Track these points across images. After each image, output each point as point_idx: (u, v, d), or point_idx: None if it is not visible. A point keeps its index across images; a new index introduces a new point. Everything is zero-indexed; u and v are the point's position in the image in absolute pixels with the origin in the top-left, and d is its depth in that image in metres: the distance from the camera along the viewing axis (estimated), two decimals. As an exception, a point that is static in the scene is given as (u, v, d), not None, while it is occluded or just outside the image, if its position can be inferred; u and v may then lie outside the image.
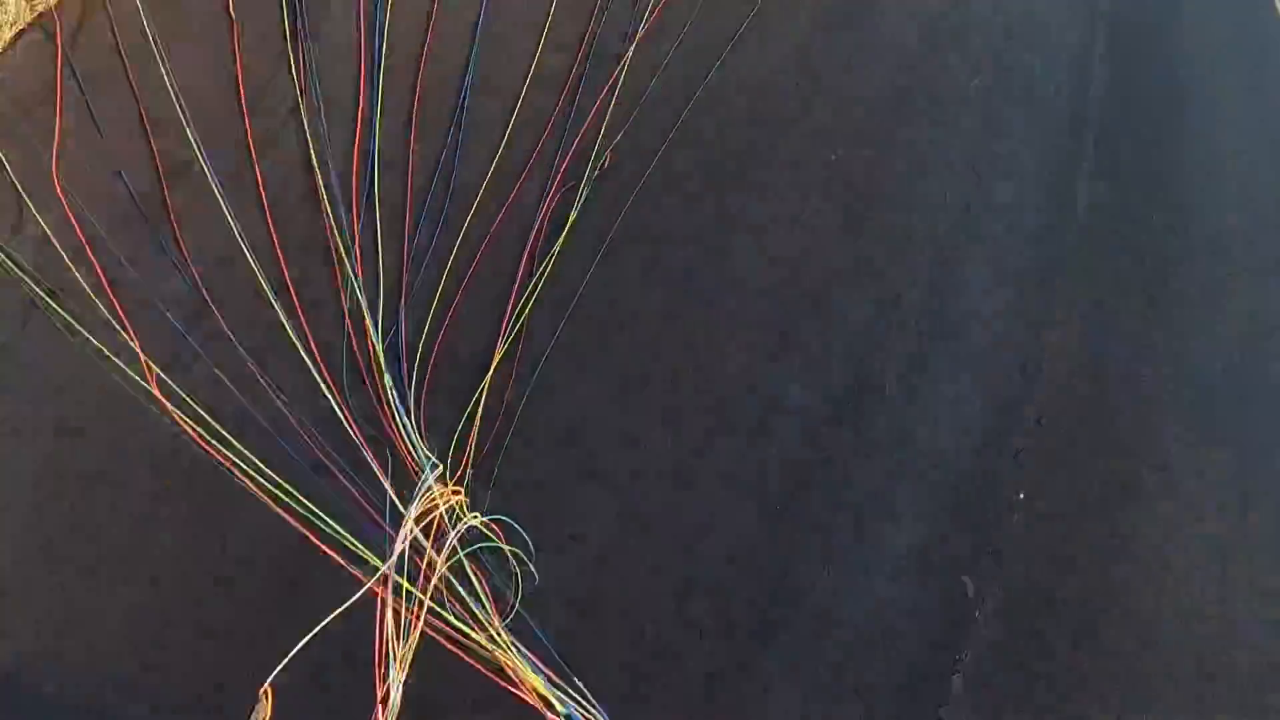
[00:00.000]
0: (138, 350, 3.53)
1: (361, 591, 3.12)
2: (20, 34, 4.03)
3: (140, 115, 4.00)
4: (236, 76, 4.10)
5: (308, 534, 3.27)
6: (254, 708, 2.77)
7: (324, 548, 3.27)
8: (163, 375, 3.58)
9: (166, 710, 3.17)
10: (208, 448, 3.39)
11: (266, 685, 2.74)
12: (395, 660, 3.07)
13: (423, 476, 3.30)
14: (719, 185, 4.53)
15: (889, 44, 5.20)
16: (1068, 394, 4.55)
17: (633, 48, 4.52)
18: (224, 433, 3.44)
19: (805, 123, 4.83)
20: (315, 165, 4.01)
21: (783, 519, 3.95)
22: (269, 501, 3.29)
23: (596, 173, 4.24)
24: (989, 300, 4.66)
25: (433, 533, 3.28)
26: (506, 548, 3.43)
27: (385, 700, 2.98)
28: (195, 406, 3.52)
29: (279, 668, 3.01)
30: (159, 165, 3.89)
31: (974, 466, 4.29)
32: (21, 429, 3.50)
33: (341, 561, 3.24)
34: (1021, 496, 4.25)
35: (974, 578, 4.06)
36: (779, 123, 4.78)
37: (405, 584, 3.15)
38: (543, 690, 2.97)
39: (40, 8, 4.05)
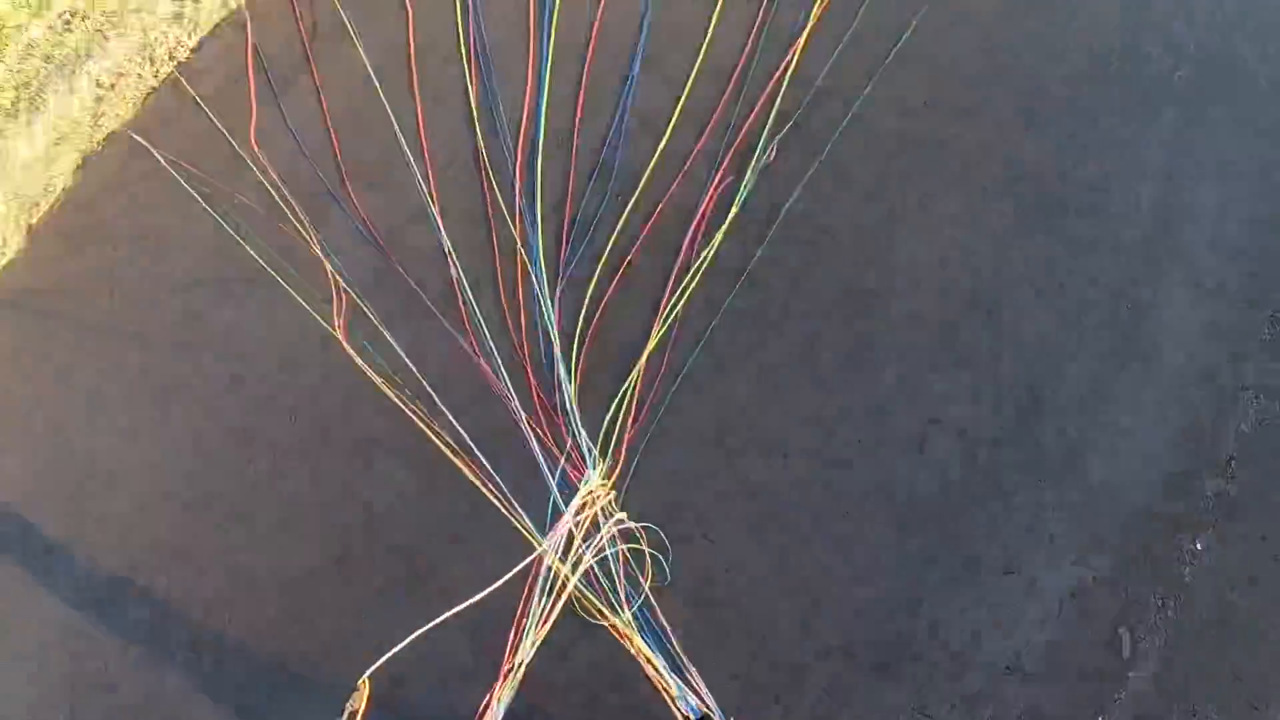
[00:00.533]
0: (337, 320, 3.69)
1: (518, 569, 3.13)
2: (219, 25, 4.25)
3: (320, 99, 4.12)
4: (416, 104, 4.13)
5: (493, 495, 3.33)
6: (350, 695, 2.82)
7: (505, 508, 3.31)
8: (348, 350, 3.70)
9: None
10: (407, 407, 3.53)
11: (365, 677, 2.79)
12: (529, 638, 3.07)
13: (586, 476, 3.28)
14: (888, 179, 4.23)
15: (1082, 29, 4.71)
16: (1267, 433, 4.05)
17: (805, 33, 4.26)
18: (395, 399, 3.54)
19: (985, 114, 4.44)
20: (485, 162, 3.99)
21: (927, 544, 3.70)
22: (465, 467, 3.38)
23: (760, 166, 4.03)
24: (1184, 320, 4.18)
25: (584, 524, 3.27)
26: (648, 550, 3.37)
27: (508, 674, 2.98)
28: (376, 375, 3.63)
29: (398, 647, 3.07)
30: (340, 164, 4.02)
31: (1148, 507, 3.86)
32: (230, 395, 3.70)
33: (522, 526, 3.29)
34: (1199, 546, 3.83)
35: (1132, 634, 3.70)
36: (956, 112, 4.42)
37: (558, 564, 3.15)
38: (665, 676, 2.97)
39: (233, 3, 4.25)
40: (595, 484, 3.30)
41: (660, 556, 3.40)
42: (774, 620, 3.51)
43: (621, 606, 3.21)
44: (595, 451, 3.41)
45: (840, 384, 3.89)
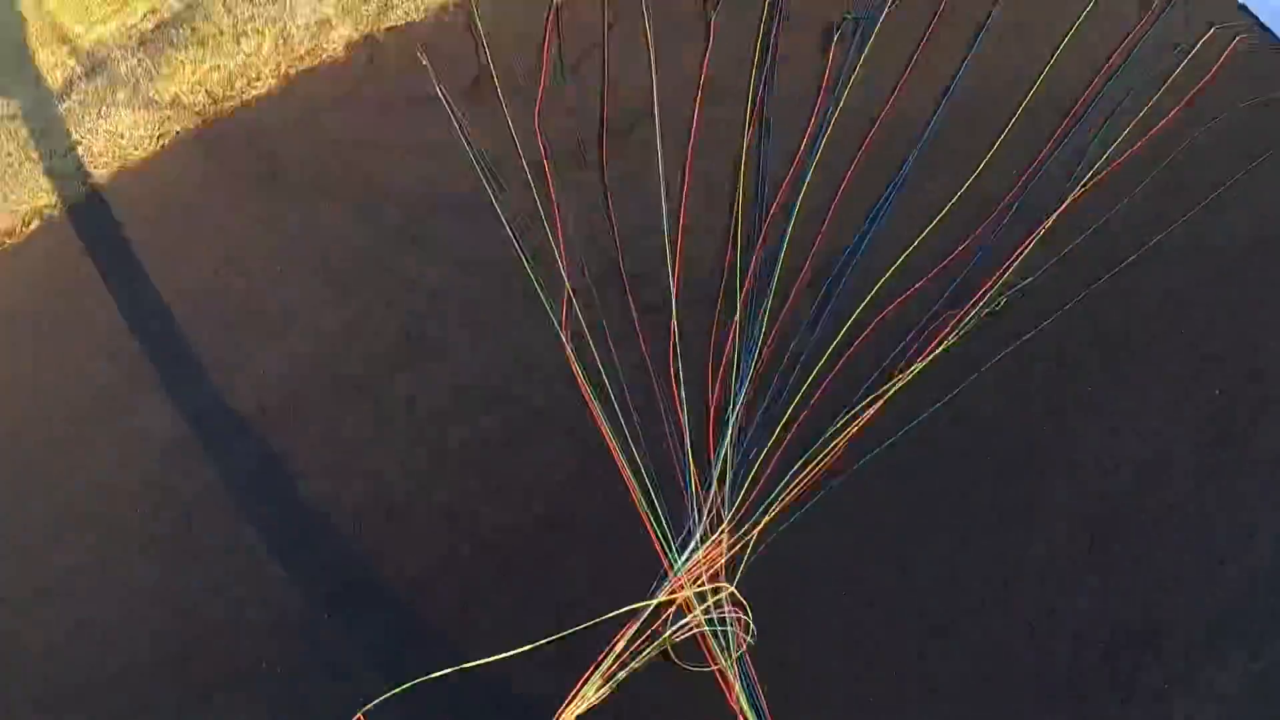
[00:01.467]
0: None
1: (656, 602, 3.05)
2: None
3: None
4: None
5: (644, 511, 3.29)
6: None
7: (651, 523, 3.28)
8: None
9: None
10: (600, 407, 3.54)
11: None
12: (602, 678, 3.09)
13: (693, 544, 3.29)
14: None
15: None
16: None
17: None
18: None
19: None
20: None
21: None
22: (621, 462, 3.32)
23: (986, 311, 3.84)
24: None
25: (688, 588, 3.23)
26: (748, 640, 3.24)
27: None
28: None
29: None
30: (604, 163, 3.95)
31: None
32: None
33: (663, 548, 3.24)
34: None
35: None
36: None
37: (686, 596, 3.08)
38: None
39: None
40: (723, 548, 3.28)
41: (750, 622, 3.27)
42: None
43: (729, 654, 3.18)
44: (728, 514, 3.35)
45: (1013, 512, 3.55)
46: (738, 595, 3.25)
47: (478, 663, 3.14)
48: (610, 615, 3.20)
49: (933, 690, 3.18)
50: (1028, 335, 3.63)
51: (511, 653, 3.07)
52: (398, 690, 3.13)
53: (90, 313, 4.41)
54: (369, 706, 2.60)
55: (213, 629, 3.62)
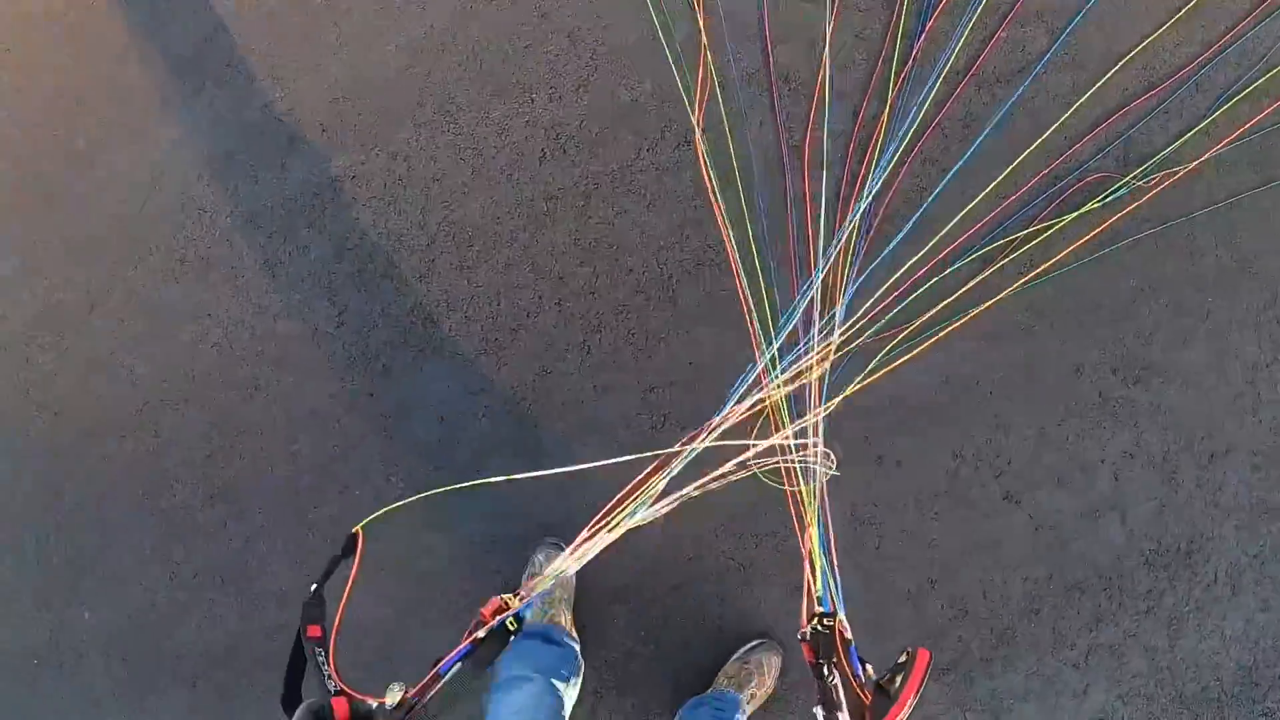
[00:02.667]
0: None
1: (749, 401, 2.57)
2: None
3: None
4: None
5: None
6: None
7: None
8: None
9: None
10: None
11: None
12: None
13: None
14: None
15: None
16: None
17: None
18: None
19: None
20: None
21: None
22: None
23: (1139, 182, 3.22)
24: None
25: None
26: (831, 470, 2.78)
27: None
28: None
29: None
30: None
31: None
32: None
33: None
34: None
35: None
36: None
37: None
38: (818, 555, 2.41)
39: None
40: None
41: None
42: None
43: (815, 475, 2.64)
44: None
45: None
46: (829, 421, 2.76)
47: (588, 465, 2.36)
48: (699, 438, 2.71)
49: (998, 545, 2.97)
50: (1173, 221, 3.11)
51: (605, 462, 2.27)
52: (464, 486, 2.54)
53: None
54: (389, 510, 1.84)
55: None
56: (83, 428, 3.38)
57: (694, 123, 3.17)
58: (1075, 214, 2.94)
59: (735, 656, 2.62)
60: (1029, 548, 2.74)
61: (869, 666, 1.55)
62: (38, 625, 3.33)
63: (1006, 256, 2.89)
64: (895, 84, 3.13)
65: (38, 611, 3.34)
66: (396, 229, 3.18)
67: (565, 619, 2.60)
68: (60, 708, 3.32)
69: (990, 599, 2.77)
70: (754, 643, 2.68)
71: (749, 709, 2.48)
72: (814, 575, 2.01)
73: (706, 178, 3.05)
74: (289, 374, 3.21)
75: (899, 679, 1.44)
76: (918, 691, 1.44)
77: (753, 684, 2.52)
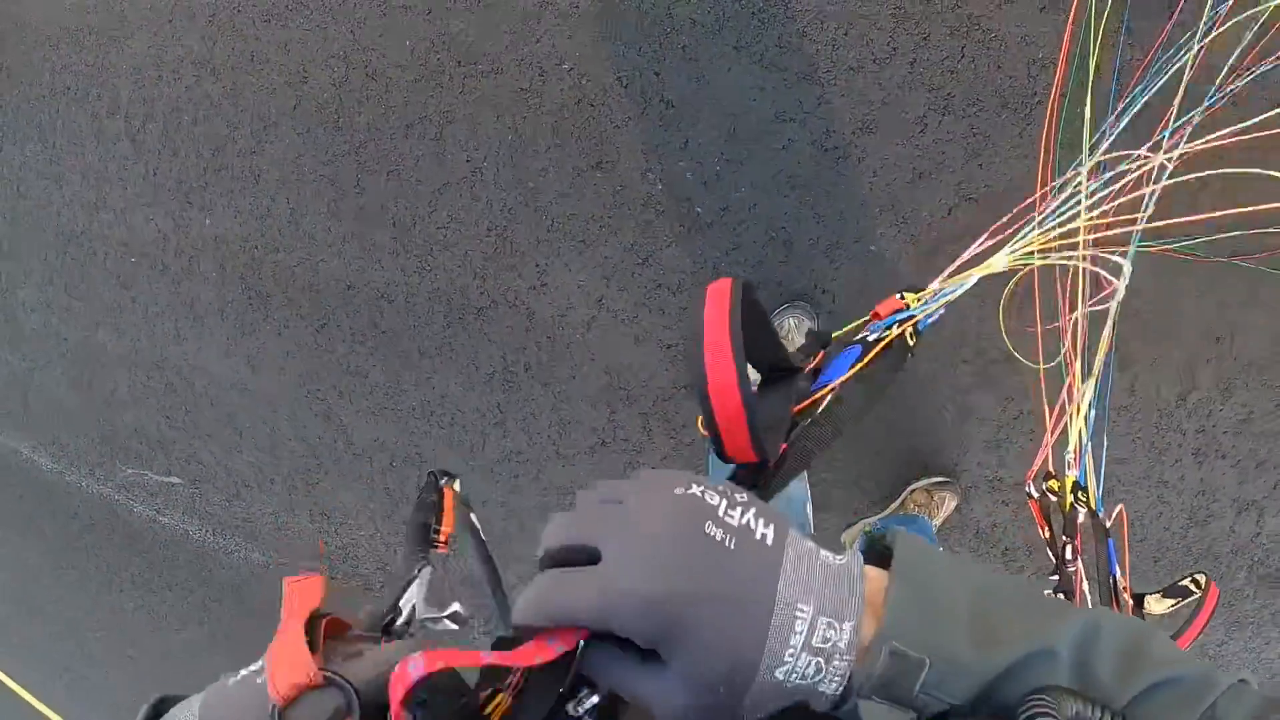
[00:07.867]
0: None
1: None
2: None
3: None
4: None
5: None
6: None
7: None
8: None
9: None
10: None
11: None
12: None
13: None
14: None
15: None
16: None
17: None
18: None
19: None
20: None
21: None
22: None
23: None
24: None
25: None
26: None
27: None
28: None
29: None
30: None
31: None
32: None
33: None
34: None
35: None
36: None
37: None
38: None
39: None
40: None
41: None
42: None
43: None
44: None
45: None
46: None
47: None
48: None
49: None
50: None
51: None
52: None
53: None
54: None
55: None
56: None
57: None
58: None
59: (920, 484, 2.37)
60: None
61: (1121, 574, 1.22)
62: (143, 222, 2.99)
63: None
64: None
65: (146, 207, 2.99)
66: None
67: None
68: (151, 312, 3.04)
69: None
70: (940, 479, 2.43)
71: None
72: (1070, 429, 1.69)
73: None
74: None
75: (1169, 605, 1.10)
76: (1200, 632, 1.14)
77: (935, 519, 2.30)
